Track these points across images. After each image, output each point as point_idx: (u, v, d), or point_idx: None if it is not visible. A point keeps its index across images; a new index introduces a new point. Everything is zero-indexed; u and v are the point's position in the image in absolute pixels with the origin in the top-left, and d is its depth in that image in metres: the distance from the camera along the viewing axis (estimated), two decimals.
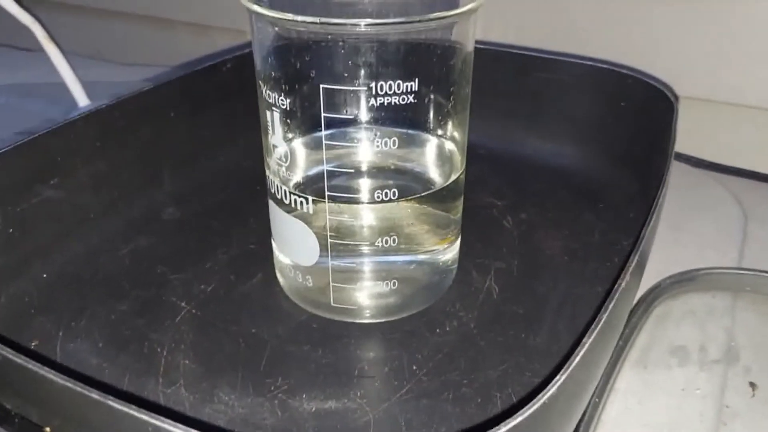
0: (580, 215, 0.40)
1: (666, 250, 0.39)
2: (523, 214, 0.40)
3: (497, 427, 0.18)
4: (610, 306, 0.22)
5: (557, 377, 0.19)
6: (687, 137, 0.40)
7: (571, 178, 0.44)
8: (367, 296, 0.31)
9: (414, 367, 0.30)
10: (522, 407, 0.20)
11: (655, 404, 0.31)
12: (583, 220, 0.40)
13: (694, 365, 0.32)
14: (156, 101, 0.41)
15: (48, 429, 0.19)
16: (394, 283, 0.31)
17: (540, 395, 0.19)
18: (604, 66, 0.43)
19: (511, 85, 0.46)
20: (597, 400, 0.30)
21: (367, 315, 0.32)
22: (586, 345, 0.20)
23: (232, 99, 0.45)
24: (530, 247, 0.38)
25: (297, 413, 0.27)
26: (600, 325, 0.21)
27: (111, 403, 0.17)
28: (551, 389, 0.19)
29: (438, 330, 0.32)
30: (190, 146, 0.44)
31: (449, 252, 0.33)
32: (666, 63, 0.49)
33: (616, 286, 0.23)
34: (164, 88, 0.41)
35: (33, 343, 0.31)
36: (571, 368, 0.19)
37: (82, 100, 0.58)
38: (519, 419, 0.18)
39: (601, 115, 0.44)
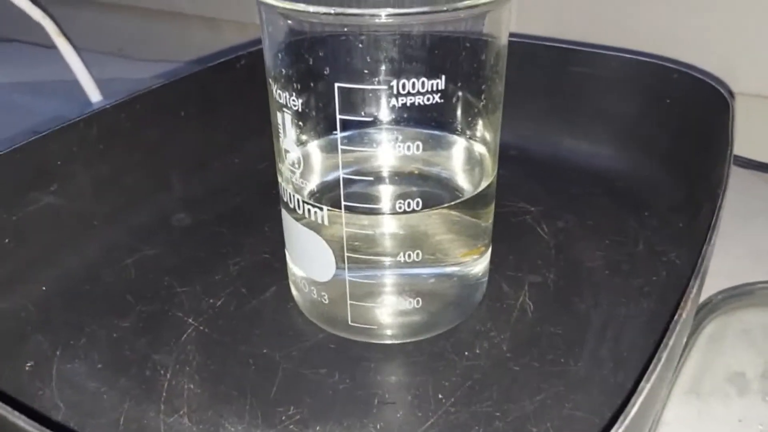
0: (623, 223, 0.37)
1: (716, 262, 0.35)
2: (560, 221, 0.37)
3: None
4: (670, 342, 0.18)
5: (617, 425, 0.16)
6: (736, 135, 0.36)
7: (612, 182, 0.40)
8: (388, 314, 0.29)
9: (440, 396, 0.27)
10: None
11: None
12: (625, 229, 0.36)
13: (754, 395, 0.29)
14: (164, 100, 0.38)
15: None
16: (417, 301, 0.28)
17: None
18: (648, 59, 0.39)
19: (546, 80, 0.43)
20: None
21: (389, 335, 0.29)
22: (645, 390, 0.17)
23: (247, 97, 0.42)
24: (568, 259, 0.34)
25: None
26: (661, 364, 0.18)
27: None
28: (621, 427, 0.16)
29: (467, 353, 0.29)
30: (202, 148, 0.41)
31: (479, 264, 0.30)
32: (717, 56, 0.45)
33: (676, 316, 0.19)
34: (173, 86, 0.38)
35: (28, 365, 0.28)
36: (631, 414, 0.16)
37: (95, 97, 0.56)
38: None
39: (644, 114, 0.40)
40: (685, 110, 0.38)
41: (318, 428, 0.25)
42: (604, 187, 0.40)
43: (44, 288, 0.32)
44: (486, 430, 0.25)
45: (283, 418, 0.26)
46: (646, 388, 0.17)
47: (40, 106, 0.59)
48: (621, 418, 0.16)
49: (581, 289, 0.32)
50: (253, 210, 0.39)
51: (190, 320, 0.31)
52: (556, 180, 0.41)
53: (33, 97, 0.62)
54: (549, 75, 0.43)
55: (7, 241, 0.31)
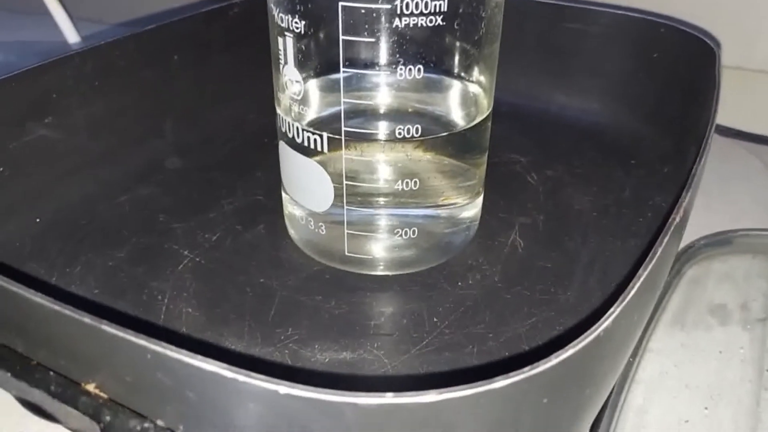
0: (611, 172, 0.38)
1: (697, 214, 0.37)
2: (549, 170, 0.38)
3: (545, 360, 0.15)
4: (659, 251, 0.19)
5: (612, 309, 0.17)
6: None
7: (601, 135, 0.41)
8: (383, 246, 0.29)
9: (435, 320, 0.27)
10: None
11: (692, 366, 0.28)
12: (613, 177, 0.37)
13: (735, 324, 0.30)
14: (159, 43, 0.38)
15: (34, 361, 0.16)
16: (413, 231, 0.29)
17: (593, 328, 0.16)
18: (637, 15, 0.40)
19: (536, 36, 0.44)
20: (631, 359, 0.28)
21: (383, 266, 0.30)
22: (636, 285, 0.18)
23: (241, 45, 0.42)
24: (557, 203, 0.35)
25: (309, 363, 0.25)
26: (648, 270, 0.19)
27: (105, 327, 0.15)
28: (605, 322, 0.16)
29: (460, 283, 0.29)
30: (195, 95, 0.41)
31: (471, 208, 0.31)
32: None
33: (663, 233, 0.20)
34: (168, 28, 0.38)
35: None
36: (624, 303, 0.17)
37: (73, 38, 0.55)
38: (570, 352, 0.15)
39: (632, 69, 0.41)
40: (672, 63, 0.39)
41: (317, 346, 0.26)
42: (592, 140, 0.41)
43: (38, 220, 0.32)
44: (480, 348, 0.26)
45: (282, 338, 0.26)
46: (637, 284, 0.18)
47: (14, 63, 0.59)
48: (617, 302, 0.17)
49: (570, 228, 0.33)
50: (246, 157, 0.40)
51: (186, 252, 0.31)
52: (546, 134, 0.42)
53: (19, 58, 0.62)
54: (540, 31, 0.43)
55: (2, 170, 0.31)
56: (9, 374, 0.17)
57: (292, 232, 0.32)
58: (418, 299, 0.28)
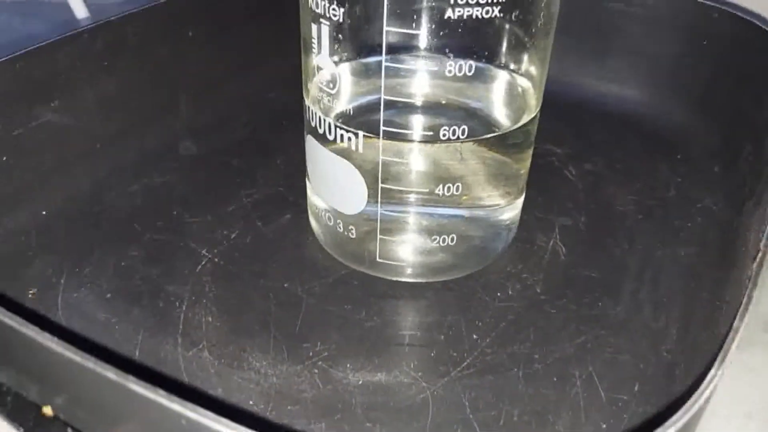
0: (654, 168, 0.35)
1: None
2: (588, 164, 0.36)
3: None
4: (749, 307, 0.17)
5: (712, 373, 0.15)
6: None
7: (642, 126, 0.38)
8: (418, 252, 0.27)
9: (474, 337, 0.25)
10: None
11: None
12: (657, 174, 0.35)
13: None
14: (172, 17, 0.35)
15: (48, 409, 0.14)
16: (451, 237, 0.27)
17: (695, 396, 0.14)
18: None
19: (574, 17, 0.41)
20: None
21: (417, 273, 0.27)
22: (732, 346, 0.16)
23: (259, 19, 0.39)
24: (598, 203, 0.33)
25: (341, 386, 0.23)
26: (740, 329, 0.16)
27: (133, 386, 0.13)
28: (706, 390, 0.14)
29: (499, 294, 0.27)
30: (210, 72, 0.39)
31: (513, 209, 0.29)
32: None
33: (750, 285, 0.18)
34: (182, 2, 0.35)
35: (30, 292, 0.26)
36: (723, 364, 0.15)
37: (82, 13, 0.52)
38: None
39: (677, 55, 0.39)
40: (724, 51, 0.36)
41: (349, 365, 0.24)
42: (632, 130, 0.38)
43: (45, 212, 0.30)
44: (525, 372, 0.24)
45: (311, 354, 0.24)
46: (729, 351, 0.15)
47: (16, 25, 0.56)
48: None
49: (614, 232, 0.31)
50: (264, 140, 0.37)
51: (204, 251, 0.29)
52: (584, 122, 0.39)
53: (22, 18, 0.58)
54: (578, 10, 0.40)
55: (5, 158, 0.28)
56: (22, 430, 0.15)
57: (317, 231, 0.30)
58: (455, 311, 0.26)
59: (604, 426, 0.22)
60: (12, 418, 0.15)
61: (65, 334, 0.22)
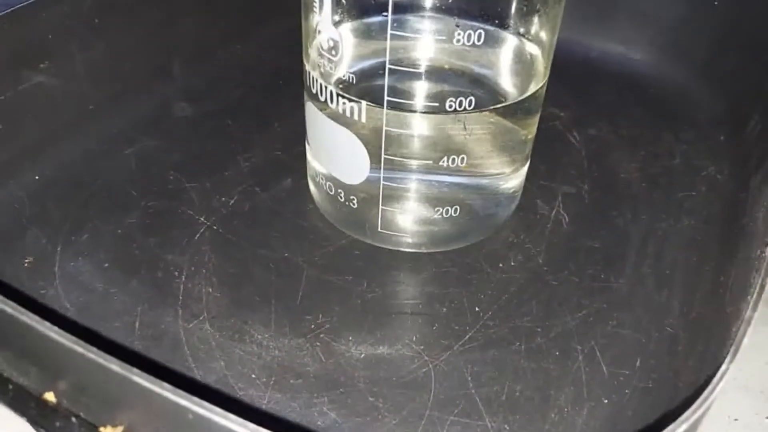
0: (659, 134, 0.35)
1: None
2: (592, 129, 0.35)
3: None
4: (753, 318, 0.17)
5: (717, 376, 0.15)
6: None
7: (646, 89, 0.38)
8: (421, 222, 0.27)
9: (477, 309, 0.25)
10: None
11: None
12: (661, 141, 0.34)
13: None
14: None
15: (50, 395, 0.14)
16: (455, 208, 0.26)
17: (695, 406, 0.14)
18: None
19: None
20: None
21: (418, 243, 0.27)
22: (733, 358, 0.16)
23: None
24: (602, 170, 0.32)
25: (344, 359, 0.23)
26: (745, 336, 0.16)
27: (138, 379, 0.12)
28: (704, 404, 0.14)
29: (501, 264, 0.27)
30: (205, 32, 0.37)
31: (518, 177, 0.28)
32: None
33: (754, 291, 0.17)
34: None
35: (26, 261, 0.26)
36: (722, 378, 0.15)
37: None
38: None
39: (684, 15, 0.38)
40: (733, 14, 0.35)
41: (351, 338, 0.24)
42: (636, 95, 0.38)
43: (38, 177, 0.29)
44: (528, 346, 0.24)
45: (312, 326, 0.24)
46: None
47: None
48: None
49: (617, 201, 0.31)
50: (261, 103, 0.36)
51: (202, 219, 0.29)
52: (587, 84, 0.39)
53: None
54: None
55: None
56: (25, 419, 0.14)
57: (317, 197, 0.29)
58: (457, 283, 0.26)
59: (606, 401, 0.22)
60: (13, 406, 0.15)
61: (65, 321, 0.22)
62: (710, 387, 0.13)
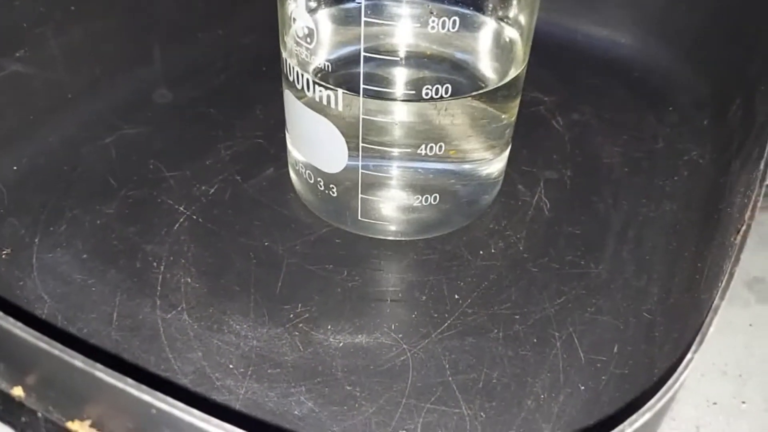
0: (642, 118, 0.35)
1: None
2: (575, 114, 0.35)
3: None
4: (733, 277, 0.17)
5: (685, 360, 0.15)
6: None
7: (630, 72, 0.38)
8: (401, 210, 0.27)
9: (456, 297, 0.25)
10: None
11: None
12: (644, 124, 0.34)
13: None
14: None
15: (18, 390, 0.14)
16: (435, 197, 0.26)
17: (667, 386, 0.14)
18: None
19: None
20: None
21: (399, 231, 0.27)
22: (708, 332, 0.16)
23: None
24: (585, 155, 0.32)
25: (322, 348, 0.23)
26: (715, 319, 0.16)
27: (101, 375, 0.12)
28: (680, 379, 0.14)
29: (481, 252, 0.27)
30: (183, 16, 0.37)
31: (499, 161, 0.28)
32: None
33: (739, 236, 0.18)
34: None
35: (4, 253, 0.26)
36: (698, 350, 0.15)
37: None
38: (646, 417, 0.13)
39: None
40: None
41: (330, 327, 0.24)
42: (620, 78, 0.37)
43: (15, 168, 0.29)
44: (506, 333, 0.24)
45: (291, 316, 0.24)
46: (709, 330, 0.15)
47: None
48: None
49: (599, 187, 0.30)
50: (242, 88, 0.36)
51: (182, 208, 0.28)
52: (571, 68, 0.38)
53: None
54: None
55: None
56: None
57: (298, 188, 0.29)
58: (437, 271, 0.26)
59: (582, 388, 0.22)
60: None
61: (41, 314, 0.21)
62: (674, 376, 0.13)
